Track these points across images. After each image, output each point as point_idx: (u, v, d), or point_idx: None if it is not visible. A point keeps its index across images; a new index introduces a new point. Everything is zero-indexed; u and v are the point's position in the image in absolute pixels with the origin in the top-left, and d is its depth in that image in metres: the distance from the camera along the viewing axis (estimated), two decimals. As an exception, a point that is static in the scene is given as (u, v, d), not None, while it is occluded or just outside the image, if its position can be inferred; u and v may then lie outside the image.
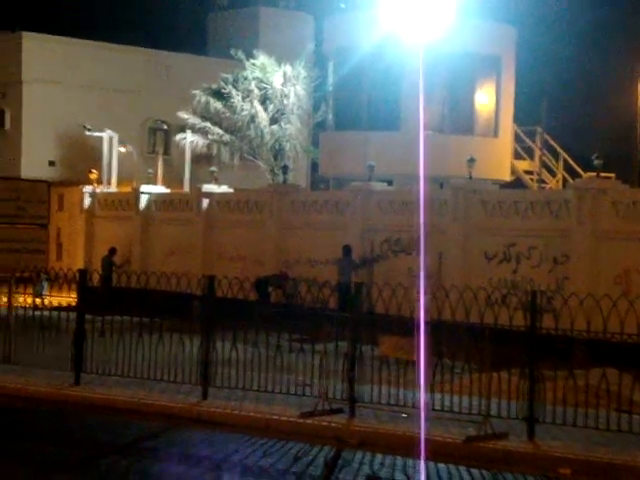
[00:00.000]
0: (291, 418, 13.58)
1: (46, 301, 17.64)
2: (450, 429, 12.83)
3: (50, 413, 14.71)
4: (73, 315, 16.24)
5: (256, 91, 36.27)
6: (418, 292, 14.27)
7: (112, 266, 29.36)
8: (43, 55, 38.03)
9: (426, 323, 13.26)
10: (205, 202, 29.53)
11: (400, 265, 23.77)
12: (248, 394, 14.65)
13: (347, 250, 24.17)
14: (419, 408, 12.95)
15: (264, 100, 36.49)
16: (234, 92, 36.18)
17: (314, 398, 14.00)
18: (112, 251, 29.87)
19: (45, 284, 18.70)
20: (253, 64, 36.49)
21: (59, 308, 17.23)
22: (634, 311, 12.24)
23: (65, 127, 38.14)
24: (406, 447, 12.24)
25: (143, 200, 31.43)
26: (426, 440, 12.18)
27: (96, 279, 17.71)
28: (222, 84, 36.47)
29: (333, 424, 13.31)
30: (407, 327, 13.52)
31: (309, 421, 13.45)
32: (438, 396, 13.36)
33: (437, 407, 13.26)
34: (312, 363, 14.36)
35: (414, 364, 13.42)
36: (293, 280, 25.26)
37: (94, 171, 33.90)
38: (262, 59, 36.51)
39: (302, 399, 14.20)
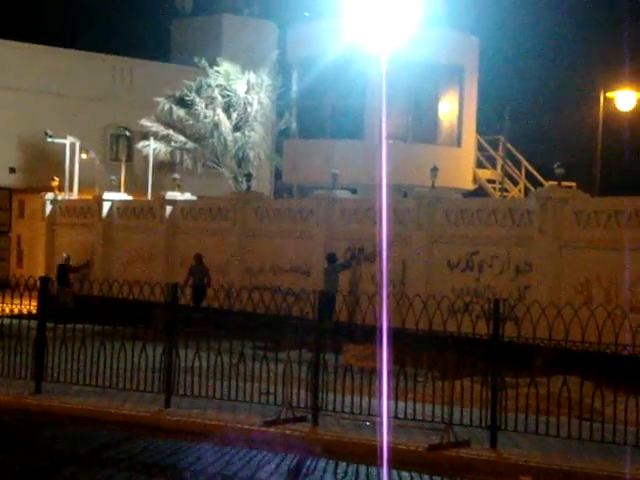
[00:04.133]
0: (254, 426, 13.54)
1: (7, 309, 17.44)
2: (413, 437, 12.86)
3: (10, 422, 14.54)
4: (33, 323, 16.08)
5: (219, 99, 36.21)
6: (381, 300, 14.29)
7: (68, 272, 29.20)
8: (3, 61, 37.70)
9: (389, 331, 13.27)
10: (168, 209, 29.42)
11: (364, 273, 23.81)
12: (211, 402, 14.59)
13: (332, 258, 23.71)
14: (382, 416, 12.96)
15: (227, 108, 36.43)
16: (197, 99, 36.10)
17: (278, 406, 13.97)
18: (67, 259, 29.68)
19: None
20: (217, 71, 36.43)
21: (19, 316, 17.05)
22: (595, 320, 12.34)
23: (26, 133, 37.84)
24: (370, 455, 12.24)
25: (105, 207, 31.24)
26: (389, 448, 12.19)
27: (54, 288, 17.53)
28: (185, 91, 36.37)
29: (297, 432, 13.29)
30: (371, 335, 13.53)
31: (272, 429, 13.42)
32: (401, 404, 13.38)
33: (400, 415, 13.29)
34: (276, 371, 14.33)
35: (378, 372, 13.43)
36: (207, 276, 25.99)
37: (56, 178, 33.65)
38: (225, 66, 36.47)
39: (266, 407, 14.16)
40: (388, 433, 12.61)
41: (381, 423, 12.78)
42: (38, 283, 16.14)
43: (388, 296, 14.35)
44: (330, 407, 13.74)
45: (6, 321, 17.05)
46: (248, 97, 36.33)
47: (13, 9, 46.93)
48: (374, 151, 27.65)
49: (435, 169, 24.40)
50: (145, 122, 36.40)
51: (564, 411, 12.70)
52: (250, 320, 14.70)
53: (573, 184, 25.53)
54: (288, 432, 13.30)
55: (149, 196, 35.06)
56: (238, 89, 36.29)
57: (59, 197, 33.37)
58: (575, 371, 13.41)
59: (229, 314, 14.93)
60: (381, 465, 11.83)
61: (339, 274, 23.26)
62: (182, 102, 36.38)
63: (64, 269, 29.40)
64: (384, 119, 27.52)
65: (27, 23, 44.66)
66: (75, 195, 34.83)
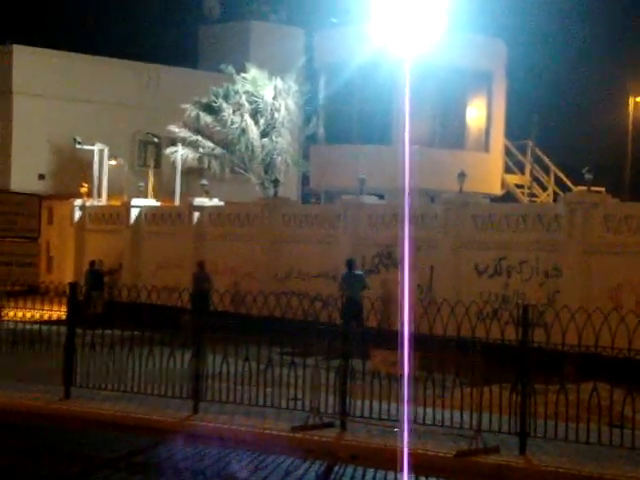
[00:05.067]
0: (282, 432, 13.53)
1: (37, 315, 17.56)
2: (441, 443, 12.80)
3: (40, 428, 14.62)
4: (63, 329, 16.17)
5: (247, 105, 36.29)
6: (408, 306, 14.26)
7: (101, 277, 29.39)
8: (34, 68, 38.00)
9: (417, 337, 13.24)
10: (196, 215, 29.51)
11: (391, 279, 23.74)
12: (239, 408, 14.60)
13: (350, 264, 23.62)
14: (409, 423, 12.92)
15: (255, 114, 36.51)
16: (225, 105, 36.19)
17: (305, 412, 13.96)
18: (92, 264, 29.85)
19: None
20: (244, 78, 36.52)
21: (49, 322, 17.16)
22: (625, 325, 12.25)
23: (55, 140, 38.09)
24: (397, 462, 12.19)
25: (134, 213, 31.38)
26: (417, 454, 12.15)
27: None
28: (213, 97, 36.48)
29: (324, 438, 13.27)
30: (399, 341, 13.49)
31: (300, 435, 13.41)
32: (429, 410, 13.33)
33: (428, 421, 13.24)
34: (303, 377, 14.32)
35: (405, 378, 13.38)
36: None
37: (84, 184, 33.86)
38: (253, 72, 36.55)
39: (293, 413, 14.15)
40: (416, 439, 12.56)
41: (409, 429, 12.73)
42: (67, 289, 16.23)
43: (415, 302, 14.30)
44: (358, 413, 13.71)
45: (36, 327, 17.16)
46: (275, 103, 36.39)
47: (42, 17, 47.35)
48: (401, 156, 27.58)
49: (463, 174, 24.33)
50: (173, 128, 36.55)
51: (594, 418, 12.61)
52: (278, 326, 14.70)
53: (602, 189, 25.39)
54: (316, 438, 13.29)
55: (177, 202, 35.19)
56: (265, 95, 36.36)
57: (88, 203, 33.56)
58: (605, 378, 13.29)
59: (257, 320, 14.93)
60: (409, 471, 11.78)
61: (363, 280, 23.20)
62: (209, 108, 36.50)
63: (98, 274, 29.53)
64: (410, 124, 27.46)
65: (56, 30, 44.99)
66: (104, 201, 35.02)
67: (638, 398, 12.48)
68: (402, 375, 13.48)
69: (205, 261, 27.48)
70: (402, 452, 12.33)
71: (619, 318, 12.26)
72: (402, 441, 12.68)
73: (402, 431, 13.05)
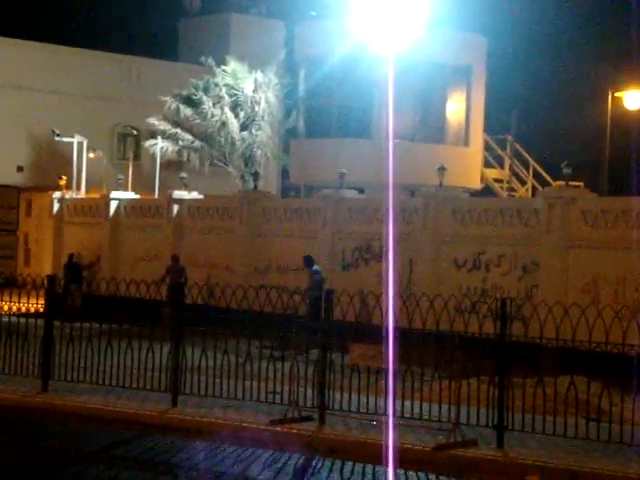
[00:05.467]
0: (261, 425, 13.54)
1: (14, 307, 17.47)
2: (420, 437, 12.84)
3: (16, 420, 14.56)
4: (41, 322, 16.10)
5: (227, 98, 36.20)
6: (387, 300, 14.28)
7: (80, 270, 29.34)
8: (12, 60, 37.74)
9: (396, 331, 13.26)
10: (175, 208, 29.44)
11: (371, 273, 23.79)
12: (218, 401, 14.59)
13: (308, 261, 23.37)
14: (388, 416, 12.95)
15: (235, 107, 36.42)
16: (205, 98, 36.09)
17: (284, 406, 13.97)
18: (71, 257, 29.78)
19: None
20: (224, 70, 36.43)
21: (27, 314, 17.08)
22: (602, 319, 12.32)
23: (34, 132, 37.90)
24: (376, 455, 12.23)
25: (113, 206, 31.28)
26: (396, 448, 12.18)
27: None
28: (193, 90, 36.37)
29: (303, 432, 13.28)
30: (377, 335, 13.52)
31: (279, 428, 13.42)
32: (408, 404, 13.37)
33: (407, 415, 13.27)
34: (282, 370, 14.33)
35: (384, 372, 13.43)
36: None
37: (63, 177, 33.70)
38: (233, 65, 36.46)
39: (272, 406, 14.16)
40: (394, 432, 12.60)
41: (387, 423, 12.77)
42: (45, 282, 16.16)
43: (395, 295, 14.34)
44: (337, 406, 13.73)
45: (13, 319, 17.07)
46: (255, 96, 36.32)
47: (22, 8, 47.03)
48: (381, 150, 27.61)
49: (442, 168, 24.39)
50: (152, 121, 36.41)
51: (571, 411, 12.69)
52: (257, 319, 14.70)
53: (581, 184, 25.51)
54: (294, 431, 13.30)
55: (156, 195, 35.09)
56: (245, 88, 36.28)
57: (67, 196, 33.42)
58: (582, 371, 13.38)
59: (236, 313, 14.92)
60: (387, 464, 11.82)
61: (322, 277, 22.91)
62: (189, 101, 36.39)
63: (76, 267, 29.46)
64: (391, 118, 27.49)
65: (35, 22, 44.73)
66: (82, 194, 34.87)
67: (615, 391, 12.56)
68: (381, 369, 13.51)
69: (179, 254, 27.46)
70: (381, 445, 12.36)
71: (596, 312, 12.34)
72: (381, 434, 12.72)
73: (381, 424, 13.09)
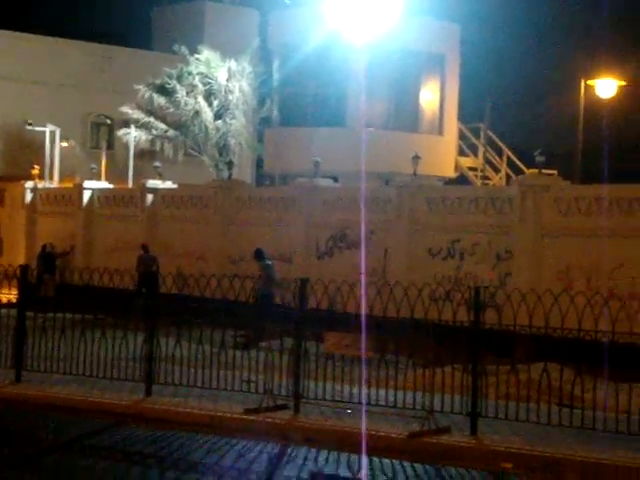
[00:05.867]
0: (235, 415, 13.53)
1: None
2: (394, 424, 12.88)
3: (-10, 411, 14.49)
4: (13, 312, 16.01)
5: (200, 86, 36.08)
6: (362, 288, 14.30)
7: (54, 260, 29.22)
8: (-17, 49, 37.44)
9: (370, 319, 13.28)
10: (149, 198, 29.33)
11: (346, 262, 23.81)
12: (192, 391, 14.57)
13: (258, 254, 22.77)
14: (362, 404, 12.98)
15: (209, 95, 36.31)
16: (178, 87, 35.95)
17: (259, 395, 13.96)
18: (44, 247, 29.69)
19: None
20: (197, 59, 36.28)
21: (-1, 305, 16.99)
22: (575, 306, 12.39)
23: (6, 121, 37.62)
24: (351, 443, 12.26)
25: (86, 196, 31.13)
26: (370, 435, 12.22)
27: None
28: (166, 79, 36.22)
29: (278, 420, 13.29)
30: (352, 323, 13.54)
31: (254, 417, 13.42)
32: (382, 392, 13.40)
33: (382, 403, 13.30)
34: (257, 359, 14.32)
35: (359, 360, 13.44)
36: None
37: (36, 166, 33.51)
38: (206, 54, 36.33)
39: (247, 396, 14.15)
40: (369, 421, 12.63)
41: (362, 411, 12.79)
42: (18, 272, 16.06)
43: (368, 284, 14.35)
44: (311, 395, 13.75)
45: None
46: (229, 85, 36.21)
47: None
48: (356, 139, 27.63)
49: (416, 157, 24.42)
50: (126, 110, 36.24)
51: (544, 398, 12.75)
52: (231, 308, 14.68)
53: (554, 172, 25.60)
54: (269, 420, 13.31)
55: (130, 184, 34.94)
56: (219, 77, 36.17)
57: (39, 185, 33.23)
58: (555, 358, 13.45)
59: (210, 302, 14.89)
60: (362, 452, 11.85)
61: (273, 271, 22.38)
62: (163, 90, 36.24)
63: (50, 257, 29.33)
64: (365, 107, 27.48)
65: (6, 11, 44.32)
66: (56, 183, 34.68)
67: (587, 378, 12.65)
68: (355, 357, 13.53)
69: (153, 243, 27.36)
70: (355, 433, 12.39)
71: (569, 299, 12.41)
72: (356, 422, 12.75)
73: (355, 412, 13.12)
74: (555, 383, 12.77)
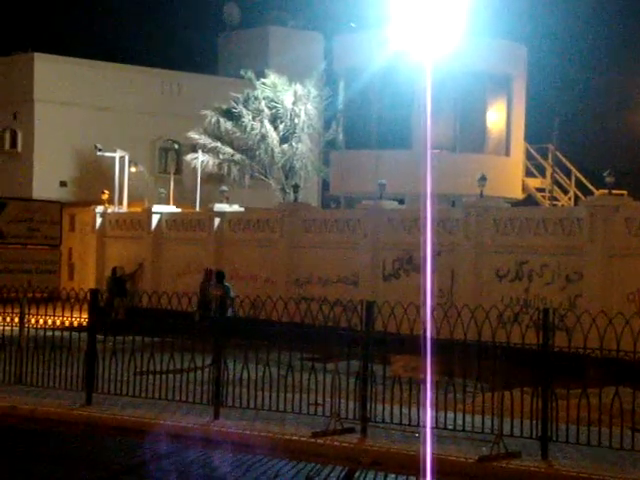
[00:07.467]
0: (303, 438, 13.52)
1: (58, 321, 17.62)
2: (463, 448, 12.75)
3: (62, 434, 14.67)
4: (84, 335, 16.22)
5: (266, 110, 36.34)
6: (428, 311, 14.21)
7: (124, 284, 29.60)
8: (54, 76, 38.19)
9: (438, 342, 13.19)
10: (217, 221, 29.57)
11: (412, 284, 23.69)
12: (260, 414, 14.60)
13: (219, 276, 22.46)
14: (430, 427, 12.87)
15: (274, 119, 36.55)
16: (244, 112, 36.26)
17: (326, 417, 13.94)
18: (114, 271, 30.08)
19: None
20: (263, 83, 36.57)
21: (70, 328, 17.22)
22: (647, 329, 12.16)
23: (76, 147, 38.28)
24: (419, 467, 12.16)
25: (155, 220, 31.49)
26: (439, 460, 12.10)
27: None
28: (233, 104, 36.55)
29: (345, 444, 13.25)
30: (419, 346, 13.45)
31: (321, 441, 13.39)
32: (451, 415, 13.28)
33: (450, 426, 13.19)
34: (324, 382, 14.31)
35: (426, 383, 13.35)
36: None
37: (105, 191, 34.00)
38: (272, 78, 36.59)
39: (314, 418, 14.14)
40: (437, 444, 12.52)
41: (430, 434, 12.69)
42: (88, 295, 16.28)
43: (435, 306, 14.26)
44: (378, 418, 13.68)
45: (57, 333, 17.22)
46: (295, 108, 36.41)
47: (63, 24, 47.62)
48: (421, 161, 27.53)
49: (483, 178, 24.27)
50: (193, 135, 36.64)
51: (616, 422, 12.53)
52: (298, 331, 14.69)
53: (624, 192, 25.23)
54: (336, 443, 13.27)
55: (197, 208, 35.27)
56: (285, 100, 36.40)
57: (109, 210, 33.71)
58: (627, 382, 13.21)
59: (277, 325, 14.93)
60: (431, 477, 11.74)
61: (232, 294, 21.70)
62: (229, 114, 36.57)
63: (121, 280, 29.72)
64: (430, 129, 27.41)
65: (77, 38, 45.24)
66: (125, 208, 35.14)
67: (661, 402, 12.40)
68: (423, 380, 13.44)
69: (222, 267, 27.47)
70: (424, 457, 12.29)
71: (641, 322, 12.19)
72: (423, 446, 12.64)
73: (423, 436, 13.02)
74: (627, 407, 12.54)
